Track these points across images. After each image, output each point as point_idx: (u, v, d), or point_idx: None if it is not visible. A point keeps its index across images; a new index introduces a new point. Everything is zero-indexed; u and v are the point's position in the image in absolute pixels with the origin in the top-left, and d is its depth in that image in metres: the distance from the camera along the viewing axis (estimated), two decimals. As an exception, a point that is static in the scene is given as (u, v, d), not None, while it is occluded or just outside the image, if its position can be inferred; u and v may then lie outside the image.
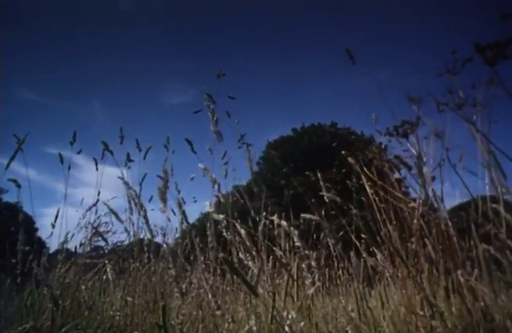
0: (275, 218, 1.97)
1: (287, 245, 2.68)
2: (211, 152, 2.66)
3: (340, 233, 2.71)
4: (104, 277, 2.97)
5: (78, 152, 3.05)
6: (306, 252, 1.88)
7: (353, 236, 2.48)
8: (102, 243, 3.53)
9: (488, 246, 1.81)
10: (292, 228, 1.89)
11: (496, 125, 1.99)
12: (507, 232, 1.85)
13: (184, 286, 2.39)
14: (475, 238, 1.89)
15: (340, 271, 3.23)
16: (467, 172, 2.05)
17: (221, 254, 1.23)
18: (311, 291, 2.03)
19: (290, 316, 1.67)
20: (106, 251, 4.10)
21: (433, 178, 2.10)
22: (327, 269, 3.24)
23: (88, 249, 3.21)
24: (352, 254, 2.54)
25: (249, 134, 2.77)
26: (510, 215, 1.90)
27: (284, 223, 1.91)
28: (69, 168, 2.99)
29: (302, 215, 2.02)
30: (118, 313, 2.46)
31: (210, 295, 1.79)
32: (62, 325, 2.31)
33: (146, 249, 2.74)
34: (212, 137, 2.56)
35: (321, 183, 2.42)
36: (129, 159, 2.95)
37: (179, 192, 2.83)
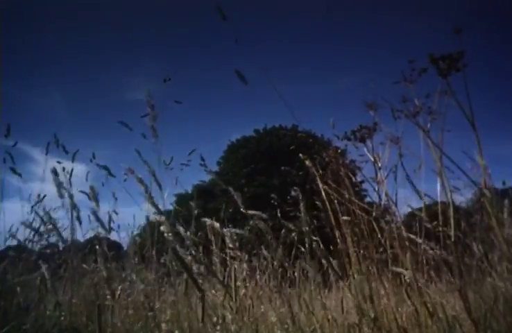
0: (207, 219, 1.96)
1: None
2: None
3: (293, 234, 2.74)
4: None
5: (14, 145, 2.96)
6: (238, 253, 1.90)
7: (307, 238, 2.51)
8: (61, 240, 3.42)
9: (433, 249, 1.87)
10: (226, 230, 1.90)
11: (448, 133, 2.07)
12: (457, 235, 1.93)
13: (120, 287, 2.36)
14: (423, 242, 1.96)
15: (296, 273, 3.26)
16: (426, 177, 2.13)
17: (165, 259, 1.22)
18: (244, 291, 2.05)
19: (225, 317, 1.69)
20: (61, 248, 3.98)
21: (381, 183, 2.16)
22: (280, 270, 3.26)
23: (38, 246, 3.12)
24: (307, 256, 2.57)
25: (210, 133, 2.76)
26: (459, 219, 1.98)
27: (216, 224, 1.92)
28: (4, 160, 2.90)
29: (249, 212, 2.04)
30: (62, 313, 2.40)
31: (143, 297, 1.78)
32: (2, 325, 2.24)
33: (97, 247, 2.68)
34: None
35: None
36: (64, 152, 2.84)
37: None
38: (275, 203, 2.98)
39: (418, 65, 2.05)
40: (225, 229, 1.89)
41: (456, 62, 1.92)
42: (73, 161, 2.79)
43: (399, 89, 2.08)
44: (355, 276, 2.06)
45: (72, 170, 2.71)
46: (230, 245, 1.90)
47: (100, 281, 2.34)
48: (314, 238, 2.20)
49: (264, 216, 2.03)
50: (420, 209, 2.20)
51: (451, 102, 1.96)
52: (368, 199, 2.69)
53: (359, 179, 2.47)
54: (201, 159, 2.81)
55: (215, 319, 1.77)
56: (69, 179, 2.60)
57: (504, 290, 1.91)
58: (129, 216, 3.38)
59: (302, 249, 2.45)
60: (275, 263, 2.62)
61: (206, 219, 1.96)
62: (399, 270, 1.94)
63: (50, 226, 2.91)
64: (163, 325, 2.02)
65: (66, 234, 2.89)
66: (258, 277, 2.75)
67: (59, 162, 2.78)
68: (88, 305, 2.31)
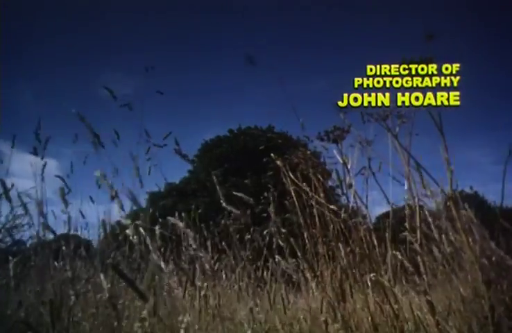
0: (171, 218, 1.95)
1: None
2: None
3: (266, 231, 2.74)
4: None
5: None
6: (200, 254, 1.90)
7: (279, 239, 2.52)
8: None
9: (396, 252, 1.91)
10: (189, 230, 1.90)
11: (417, 137, 2.12)
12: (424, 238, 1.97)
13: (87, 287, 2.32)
14: (388, 244, 1.99)
15: (266, 273, 3.27)
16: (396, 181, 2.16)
17: (109, 260, 1.21)
18: (206, 291, 2.05)
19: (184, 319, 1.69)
20: (28, 246, 3.89)
21: (350, 185, 2.19)
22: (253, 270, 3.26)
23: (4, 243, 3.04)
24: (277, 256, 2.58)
25: (184, 132, 2.74)
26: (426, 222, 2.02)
27: (180, 224, 1.91)
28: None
29: (224, 205, 2.05)
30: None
31: (107, 295, 1.76)
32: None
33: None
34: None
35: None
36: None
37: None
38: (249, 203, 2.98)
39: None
40: (188, 230, 1.88)
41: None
42: (42, 158, 2.71)
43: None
44: (325, 276, 2.08)
45: (45, 164, 2.62)
46: (193, 246, 1.90)
47: (65, 280, 2.30)
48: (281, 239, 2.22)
49: (237, 211, 2.03)
50: (388, 212, 2.24)
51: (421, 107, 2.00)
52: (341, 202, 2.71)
53: (330, 182, 2.50)
54: (175, 144, 2.74)
55: (180, 318, 1.76)
56: (41, 174, 2.52)
57: (464, 291, 1.95)
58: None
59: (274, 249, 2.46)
60: (244, 263, 2.63)
61: (170, 218, 1.94)
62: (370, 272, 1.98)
63: (17, 222, 2.85)
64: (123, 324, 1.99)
65: (35, 231, 2.83)
66: (224, 276, 2.75)
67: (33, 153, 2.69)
68: (52, 305, 2.26)
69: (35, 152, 2.58)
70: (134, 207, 2.16)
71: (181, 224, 1.89)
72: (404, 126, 2.08)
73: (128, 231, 1.44)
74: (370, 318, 1.98)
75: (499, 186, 2.00)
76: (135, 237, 1.42)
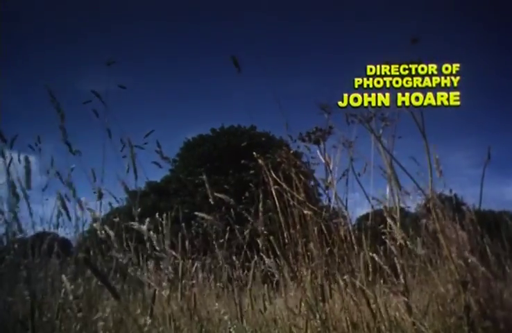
0: (134, 223, 1.94)
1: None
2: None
3: (246, 231, 2.74)
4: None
5: None
6: (164, 255, 1.90)
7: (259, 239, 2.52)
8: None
9: (373, 253, 1.93)
10: (152, 233, 1.89)
11: (400, 140, 2.14)
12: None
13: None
14: (364, 245, 2.01)
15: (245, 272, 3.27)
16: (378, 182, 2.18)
17: (81, 254, 1.19)
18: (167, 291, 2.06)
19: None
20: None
21: (327, 186, 2.21)
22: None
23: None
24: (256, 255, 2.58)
25: (166, 131, 2.72)
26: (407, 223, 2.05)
27: (143, 227, 1.90)
28: None
29: (195, 213, 2.04)
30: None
31: (71, 297, 1.75)
32: None
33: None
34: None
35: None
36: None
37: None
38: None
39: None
40: (151, 232, 1.88)
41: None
42: (11, 147, 2.62)
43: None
44: (304, 276, 2.09)
45: (11, 160, 2.54)
46: (157, 248, 1.90)
47: (39, 279, 2.26)
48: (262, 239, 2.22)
49: (209, 217, 2.04)
50: (371, 213, 2.26)
51: (404, 110, 2.03)
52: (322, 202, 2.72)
53: (312, 182, 2.51)
54: (157, 146, 2.73)
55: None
56: (7, 169, 2.45)
57: (444, 291, 1.98)
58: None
59: (256, 249, 2.46)
60: (221, 263, 2.63)
61: (133, 223, 1.93)
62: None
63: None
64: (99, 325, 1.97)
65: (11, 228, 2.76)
66: (200, 276, 2.74)
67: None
68: (24, 304, 2.21)
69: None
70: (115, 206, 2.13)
71: (144, 227, 1.87)
72: (387, 128, 2.11)
73: (95, 225, 1.42)
74: (348, 318, 2.00)
75: (478, 189, 2.04)
76: (104, 234, 1.40)
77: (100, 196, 2.38)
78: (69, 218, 2.31)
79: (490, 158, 2.03)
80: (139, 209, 2.29)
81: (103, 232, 1.88)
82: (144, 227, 1.88)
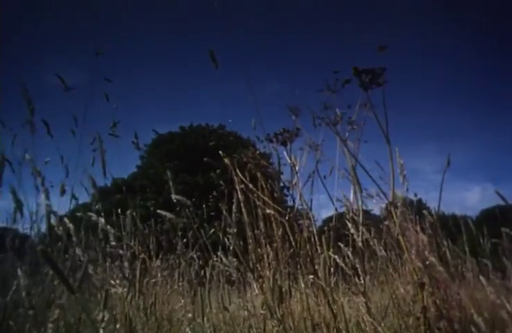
0: (92, 214, 1.91)
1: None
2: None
3: (211, 231, 2.73)
4: None
5: None
6: (121, 251, 1.89)
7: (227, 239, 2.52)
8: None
9: (334, 255, 1.97)
10: (109, 226, 1.87)
11: (368, 145, 2.19)
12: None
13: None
14: (324, 246, 2.04)
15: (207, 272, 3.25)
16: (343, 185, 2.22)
17: (40, 247, 1.16)
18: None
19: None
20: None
21: (289, 187, 2.23)
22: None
23: None
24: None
25: (134, 127, 2.68)
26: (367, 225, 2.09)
27: (102, 220, 1.88)
28: None
29: (158, 211, 2.03)
30: None
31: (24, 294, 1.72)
32: None
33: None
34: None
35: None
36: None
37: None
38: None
39: (343, 77, 2.14)
40: (108, 226, 1.85)
41: (378, 77, 2.02)
42: None
43: (322, 98, 2.16)
44: (265, 276, 2.10)
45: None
46: (113, 243, 1.87)
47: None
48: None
49: (170, 215, 2.03)
50: (335, 215, 2.29)
51: (370, 114, 2.07)
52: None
53: (280, 183, 2.52)
54: (135, 137, 2.70)
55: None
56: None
57: (403, 291, 2.03)
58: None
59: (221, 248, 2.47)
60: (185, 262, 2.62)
61: (91, 214, 1.90)
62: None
63: None
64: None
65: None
66: (160, 275, 2.73)
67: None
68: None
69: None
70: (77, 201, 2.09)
71: (102, 220, 1.84)
72: (354, 132, 2.15)
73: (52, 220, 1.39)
74: (309, 318, 2.03)
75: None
76: (61, 230, 1.37)
77: (63, 192, 2.33)
78: (22, 214, 2.24)
79: (449, 164, 2.09)
80: (98, 205, 2.25)
81: (60, 228, 1.84)
82: (102, 220, 1.85)
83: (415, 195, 2.45)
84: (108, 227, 1.85)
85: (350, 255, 2.02)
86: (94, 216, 1.87)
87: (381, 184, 2.03)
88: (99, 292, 2.14)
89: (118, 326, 1.88)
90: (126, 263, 1.96)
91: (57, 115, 2.69)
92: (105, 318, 1.68)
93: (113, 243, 1.86)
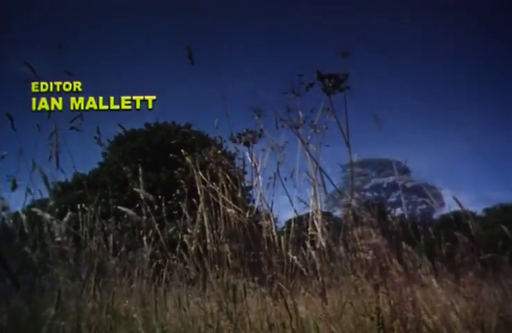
0: (38, 210, 1.86)
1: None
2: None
3: (170, 229, 2.71)
4: None
5: None
6: (66, 248, 1.85)
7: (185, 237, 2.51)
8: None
9: (291, 255, 1.99)
10: (56, 222, 1.82)
11: (331, 149, 2.22)
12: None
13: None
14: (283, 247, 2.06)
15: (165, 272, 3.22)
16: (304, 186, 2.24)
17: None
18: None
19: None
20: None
21: (250, 187, 2.25)
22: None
23: None
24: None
25: (99, 122, 2.63)
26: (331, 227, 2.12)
27: (47, 216, 1.83)
28: None
29: (119, 207, 2.01)
30: None
31: None
32: None
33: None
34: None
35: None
36: None
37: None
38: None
39: (307, 81, 2.16)
40: (54, 222, 1.79)
41: (340, 82, 2.05)
42: None
43: (286, 101, 2.18)
44: (224, 276, 2.10)
45: None
46: (58, 239, 1.81)
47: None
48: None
49: (131, 212, 2.01)
50: (296, 217, 2.32)
51: (332, 119, 2.10)
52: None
53: (242, 183, 2.53)
54: (97, 132, 2.65)
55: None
56: None
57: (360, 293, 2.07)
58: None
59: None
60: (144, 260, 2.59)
61: (37, 210, 1.84)
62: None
63: None
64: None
65: None
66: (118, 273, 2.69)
67: None
68: None
69: None
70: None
71: (48, 216, 1.79)
72: (316, 136, 2.17)
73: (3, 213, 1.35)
74: (264, 318, 2.04)
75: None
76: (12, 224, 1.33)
77: (15, 187, 2.26)
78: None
79: (408, 170, 2.15)
80: (52, 202, 2.18)
81: (11, 221, 1.77)
82: (48, 216, 1.79)
83: (376, 198, 2.50)
84: (54, 222, 1.78)
85: (314, 255, 2.04)
86: (39, 212, 1.80)
87: (344, 187, 2.06)
88: (51, 291, 2.10)
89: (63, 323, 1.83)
90: (71, 260, 1.91)
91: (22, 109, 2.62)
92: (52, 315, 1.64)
93: (58, 239, 1.79)
